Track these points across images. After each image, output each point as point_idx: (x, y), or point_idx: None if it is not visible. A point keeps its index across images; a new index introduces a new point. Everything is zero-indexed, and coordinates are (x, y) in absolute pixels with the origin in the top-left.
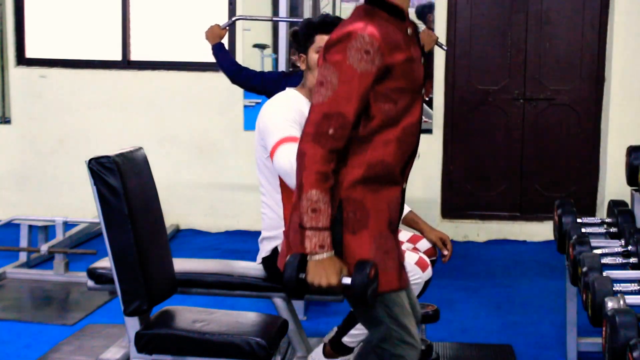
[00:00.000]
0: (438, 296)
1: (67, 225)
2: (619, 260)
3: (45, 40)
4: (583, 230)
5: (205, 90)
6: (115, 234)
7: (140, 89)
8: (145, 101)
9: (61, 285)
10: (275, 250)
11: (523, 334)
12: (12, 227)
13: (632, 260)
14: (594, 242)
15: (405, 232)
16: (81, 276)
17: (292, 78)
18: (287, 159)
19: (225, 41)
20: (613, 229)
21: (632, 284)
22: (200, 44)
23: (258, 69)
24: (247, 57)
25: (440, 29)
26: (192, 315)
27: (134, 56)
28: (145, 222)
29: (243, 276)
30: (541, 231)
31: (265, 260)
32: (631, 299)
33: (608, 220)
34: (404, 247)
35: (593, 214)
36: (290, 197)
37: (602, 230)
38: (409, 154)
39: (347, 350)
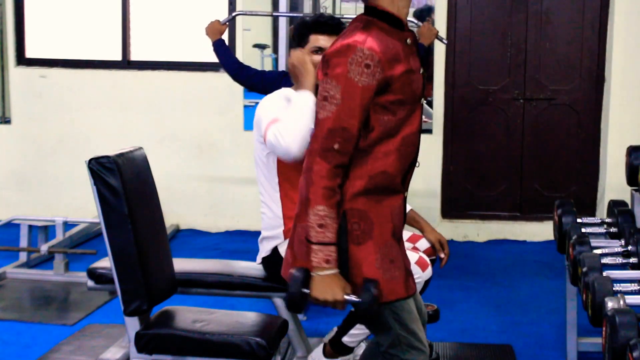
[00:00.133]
0: (438, 296)
1: (67, 225)
2: (619, 260)
3: (45, 40)
4: (583, 230)
5: (205, 90)
6: (115, 234)
7: (140, 89)
8: (145, 101)
9: (61, 285)
10: (275, 250)
11: (523, 334)
12: (12, 227)
13: (632, 260)
14: (594, 242)
15: (405, 232)
16: (81, 276)
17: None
18: (273, 134)
19: (225, 40)
20: (613, 229)
21: (632, 284)
22: (200, 43)
23: (258, 68)
24: (247, 57)
25: (441, 29)
26: (192, 315)
27: (134, 56)
28: (145, 222)
29: (243, 276)
30: (541, 231)
31: (265, 260)
32: (631, 299)
33: (608, 220)
34: None
35: (593, 214)
36: (289, 195)
37: (602, 230)
38: (409, 163)
39: (347, 350)
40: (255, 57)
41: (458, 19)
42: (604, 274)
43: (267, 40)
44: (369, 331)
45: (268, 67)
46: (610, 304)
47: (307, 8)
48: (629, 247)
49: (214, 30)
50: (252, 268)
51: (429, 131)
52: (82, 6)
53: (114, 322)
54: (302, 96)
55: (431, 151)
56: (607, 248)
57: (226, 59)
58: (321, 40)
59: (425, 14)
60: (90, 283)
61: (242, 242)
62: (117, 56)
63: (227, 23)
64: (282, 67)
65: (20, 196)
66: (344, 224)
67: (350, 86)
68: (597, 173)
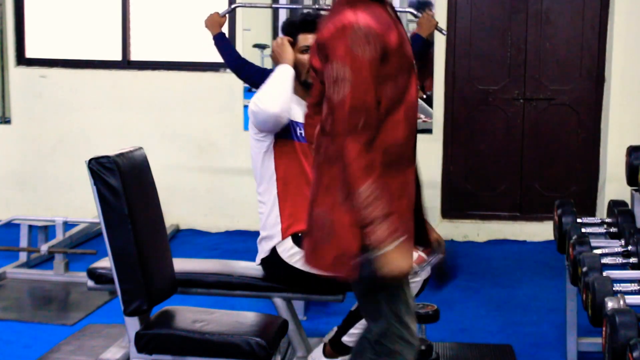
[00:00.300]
0: (438, 296)
1: (67, 225)
2: (619, 260)
3: (45, 40)
4: (583, 230)
5: (205, 90)
6: (115, 234)
7: (140, 89)
8: (145, 101)
9: (61, 285)
10: (273, 250)
11: (523, 334)
12: (12, 227)
13: (632, 260)
14: (594, 242)
15: None
16: (81, 276)
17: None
18: (253, 102)
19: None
20: (613, 229)
21: (632, 284)
22: (200, 43)
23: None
24: (247, 57)
25: None
26: (192, 315)
27: (134, 56)
28: (145, 222)
29: (243, 276)
30: (541, 231)
31: (264, 261)
32: (631, 299)
33: (608, 220)
34: None
35: (593, 214)
36: (287, 191)
37: (602, 230)
38: (415, 131)
39: (347, 349)
40: (255, 57)
41: (458, 19)
42: (604, 274)
43: (267, 40)
44: (364, 319)
45: (268, 66)
46: (610, 304)
47: None
48: (629, 247)
49: (213, 22)
50: (252, 268)
51: (429, 131)
52: (82, 6)
53: (114, 322)
54: (280, 68)
55: (431, 151)
56: (607, 248)
57: (227, 53)
58: (310, 39)
59: (422, 7)
60: (90, 283)
61: (242, 242)
62: (117, 56)
63: (227, 15)
64: None
65: (20, 196)
66: None
67: (357, 62)
68: (597, 173)
